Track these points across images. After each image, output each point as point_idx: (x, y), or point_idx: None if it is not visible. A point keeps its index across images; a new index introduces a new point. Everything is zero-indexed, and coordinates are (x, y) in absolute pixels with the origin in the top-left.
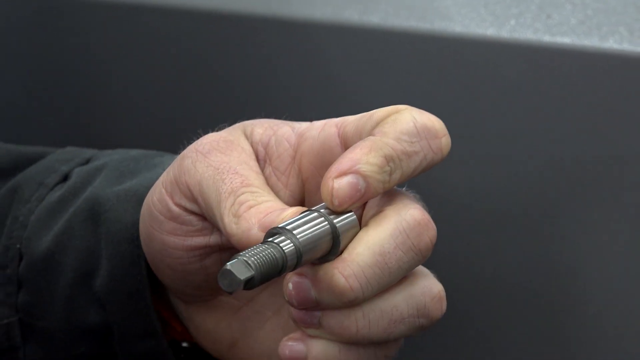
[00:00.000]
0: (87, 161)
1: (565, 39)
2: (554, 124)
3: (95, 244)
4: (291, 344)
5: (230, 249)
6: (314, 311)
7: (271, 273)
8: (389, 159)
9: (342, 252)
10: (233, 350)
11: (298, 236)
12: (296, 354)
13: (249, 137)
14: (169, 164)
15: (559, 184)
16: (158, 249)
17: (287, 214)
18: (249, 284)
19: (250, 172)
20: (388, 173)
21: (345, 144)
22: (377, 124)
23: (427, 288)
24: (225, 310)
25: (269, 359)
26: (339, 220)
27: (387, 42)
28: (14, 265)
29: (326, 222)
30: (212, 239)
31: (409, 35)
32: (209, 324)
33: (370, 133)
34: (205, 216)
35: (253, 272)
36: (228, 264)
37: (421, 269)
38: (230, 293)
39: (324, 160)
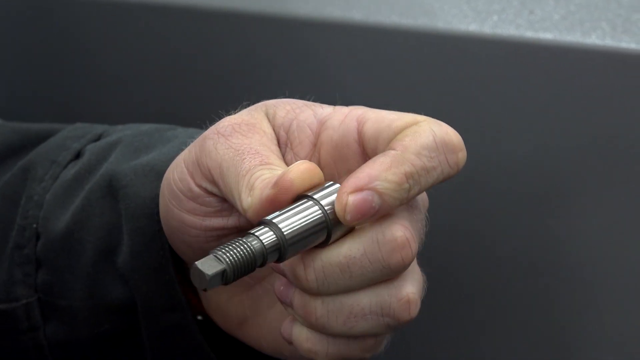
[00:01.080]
0: (99, 137)
1: (547, 35)
2: (537, 119)
3: (116, 220)
4: (285, 324)
5: (248, 225)
6: (289, 289)
7: (247, 266)
8: (408, 177)
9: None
10: (242, 327)
11: (284, 229)
12: (285, 333)
13: (271, 120)
14: (182, 137)
15: (543, 177)
16: (176, 225)
17: (297, 168)
18: (224, 278)
19: (270, 153)
20: (406, 190)
21: (363, 143)
22: (396, 134)
23: (397, 289)
24: (238, 287)
25: (275, 338)
26: (334, 216)
27: (369, 39)
28: (32, 245)
29: (321, 214)
30: (231, 220)
31: (392, 31)
32: (222, 299)
33: (390, 143)
34: (225, 198)
35: (224, 266)
36: (197, 262)
37: (407, 270)
38: (205, 290)
39: (341, 153)
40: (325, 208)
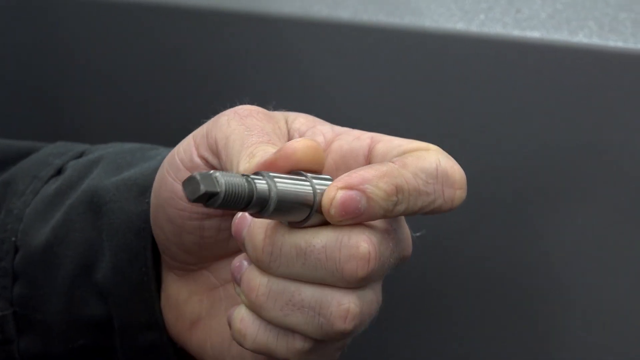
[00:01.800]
0: (81, 155)
1: (534, 34)
2: (524, 118)
3: (96, 236)
4: (232, 308)
5: (232, 217)
6: (243, 266)
7: (236, 200)
8: (399, 190)
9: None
10: (193, 328)
11: (277, 184)
12: (229, 314)
13: (288, 123)
14: (163, 156)
15: (531, 175)
16: (166, 196)
17: (303, 141)
18: (211, 200)
19: (278, 140)
20: (393, 203)
21: (370, 159)
22: (403, 153)
23: (342, 296)
24: (202, 285)
25: (221, 341)
26: (319, 205)
27: (357, 37)
28: (9, 258)
29: (311, 193)
30: None
31: (379, 30)
32: (182, 295)
33: (393, 160)
34: (224, 169)
35: (219, 190)
36: (197, 173)
37: (361, 286)
38: (190, 201)
39: (347, 164)
40: (317, 191)
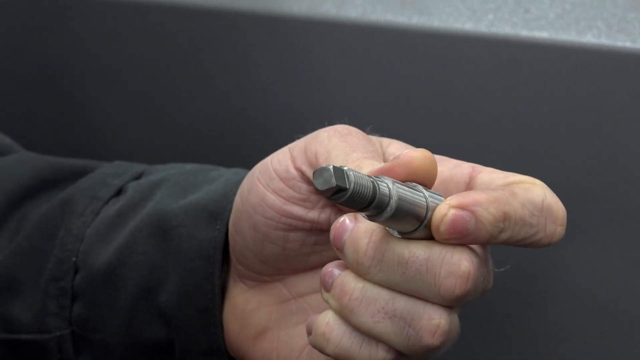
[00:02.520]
0: (140, 175)
1: (543, 34)
2: (532, 118)
3: (161, 260)
4: (311, 317)
5: (319, 232)
6: (336, 271)
7: (359, 199)
8: (506, 217)
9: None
10: (258, 339)
11: (398, 190)
12: (309, 322)
13: (383, 148)
14: (227, 176)
15: (537, 175)
16: (254, 203)
17: (422, 151)
18: (338, 194)
19: (379, 159)
20: (499, 229)
21: (471, 187)
22: (508, 184)
23: (434, 311)
24: (273, 297)
25: (294, 354)
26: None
27: (365, 37)
28: (69, 278)
29: (425, 204)
30: (310, 214)
31: (387, 29)
32: (251, 306)
33: (500, 188)
34: None
35: (347, 187)
36: (330, 165)
37: (453, 306)
38: (318, 191)
39: (447, 190)
40: (429, 205)
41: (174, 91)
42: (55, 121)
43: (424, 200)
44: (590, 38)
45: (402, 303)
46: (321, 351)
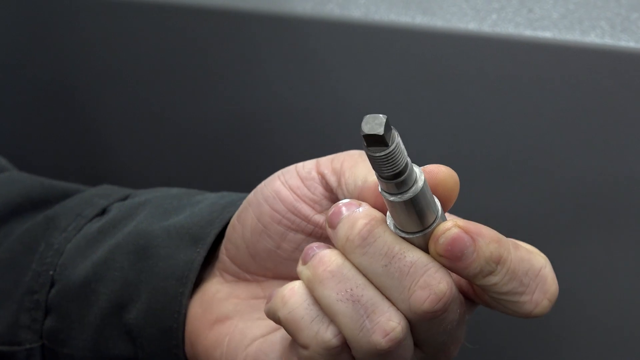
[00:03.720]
0: (126, 197)
1: (546, 33)
2: (535, 117)
3: (134, 277)
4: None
5: (317, 239)
6: (319, 248)
7: (391, 164)
8: (501, 262)
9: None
10: (216, 325)
11: (424, 182)
12: (275, 290)
13: None
14: (211, 199)
15: (540, 175)
16: (267, 194)
17: (447, 169)
18: (377, 147)
19: None
20: (490, 270)
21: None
22: (517, 242)
23: (393, 316)
24: (246, 293)
25: (245, 341)
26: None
27: (368, 37)
28: (44, 291)
29: (438, 211)
30: (316, 217)
31: (391, 29)
32: (220, 295)
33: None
34: (336, 191)
35: (390, 143)
36: (385, 116)
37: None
38: (362, 133)
39: None
40: (440, 215)
41: (177, 92)
42: (59, 123)
43: (439, 210)
44: (593, 38)
45: (371, 293)
46: (273, 315)
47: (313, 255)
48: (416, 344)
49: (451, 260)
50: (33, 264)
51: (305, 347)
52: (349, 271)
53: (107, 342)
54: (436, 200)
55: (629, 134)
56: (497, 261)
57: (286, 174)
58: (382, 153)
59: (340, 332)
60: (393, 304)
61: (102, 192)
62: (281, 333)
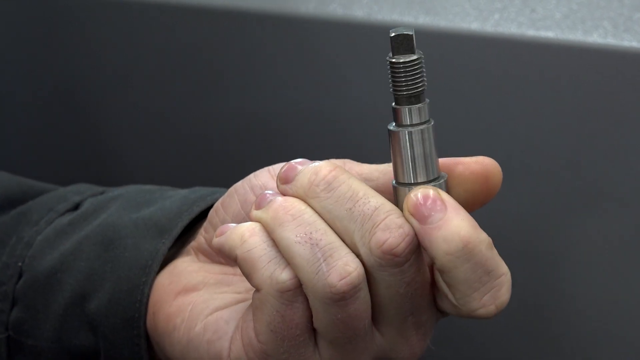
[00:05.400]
0: (101, 194)
1: (549, 33)
2: (538, 118)
3: (100, 267)
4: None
5: None
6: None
7: (419, 79)
8: (470, 248)
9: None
10: (181, 294)
11: (432, 129)
12: (224, 226)
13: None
14: (183, 194)
15: (542, 176)
16: (255, 184)
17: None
18: (409, 49)
19: None
20: (455, 249)
21: None
22: (493, 246)
23: (351, 260)
24: (217, 269)
25: (208, 309)
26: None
27: (371, 37)
28: (12, 283)
29: (442, 182)
30: None
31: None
32: (190, 268)
33: None
34: None
35: (416, 52)
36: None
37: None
38: (393, 37)
39: None
40: (438, 182)
41: (178, 92)
42: (62, 124)
43: (439, 173)
44: (596, 38)
45: (331, 238)
46: (229, 251)
47: (271, 200)
48: (375, 321)
49: (418, 219)
50: (3, 256)
51: (258, 288)
52: (311, 216)
53: (69, 332)
54: (442, 174)
55: (632, 133)
56: (466, 243)
57: (276, 168)
58: (409, 59)
59: (295, 275)
60: (352, 250)
61: (77, 189)
62: (244, 304)
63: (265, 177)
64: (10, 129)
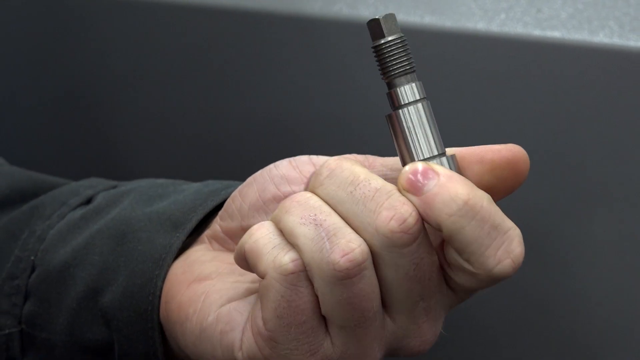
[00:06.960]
0: (113, 188)
1: (555, 33)
2: (544, 118)
3: (113, 261)
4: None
5: None
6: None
7: (399, 59)
8: (470, 205)
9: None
10: (194, 283)
11: (427, 108)
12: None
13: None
14: (196, 187)
15: (548, 176)
16: (275, 174)
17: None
18: (379, 34)
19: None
20: (456, 209)
21: None
22: (493, 202)
23: (355, 239)
24: (230, 259)
25: (222, 299)
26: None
27: None
28: (25, 277)
29: (445, 159)
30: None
31: None
32: (204, 258)
33: None
34: None
35: (391, 35)
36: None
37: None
38: (367, 24)
39: None
40: (440, 159)
41: (189, 93)
42: (73, 121)
43: (445, 158)
44: (602, 38)
45: (335, 219)
46: (239, 248)
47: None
48: (385, 306)
49: (414, 192)
50: (16, 250)
51: (263, 275)
52: (316, 202)
53: (82, 326)
54: (449, 157)
55: (637, 134)
56: (466, 200)
57: (297, 160)
58: (383, 41)
59: (298, 257)
60: (356, 228)
61: (89, 183)
62: (257, 295)
63: (285, 167)
64: (22, 127)
